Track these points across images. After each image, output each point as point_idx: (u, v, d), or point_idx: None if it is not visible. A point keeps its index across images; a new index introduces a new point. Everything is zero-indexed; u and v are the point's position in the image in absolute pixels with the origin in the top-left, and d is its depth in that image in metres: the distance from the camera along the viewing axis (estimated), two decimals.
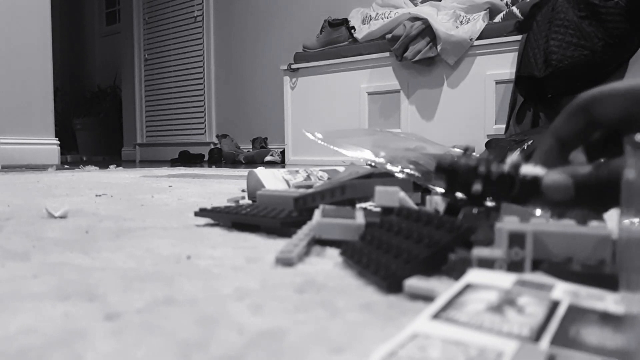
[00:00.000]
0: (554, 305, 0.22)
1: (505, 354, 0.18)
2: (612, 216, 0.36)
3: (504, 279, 0.25)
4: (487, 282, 0.24)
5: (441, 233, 0.34)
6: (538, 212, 0.40)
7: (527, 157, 0.41)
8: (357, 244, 0.40)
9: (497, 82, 2.37)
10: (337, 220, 0.46)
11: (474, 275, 0.26)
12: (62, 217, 0.68)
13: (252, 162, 3.11)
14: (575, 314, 0.21)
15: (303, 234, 0.46)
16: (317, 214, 0.49)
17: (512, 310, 0.21)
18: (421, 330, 0.20)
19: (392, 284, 0.31)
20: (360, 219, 0.46)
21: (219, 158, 3.41)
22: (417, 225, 0.37)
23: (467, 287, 0.24)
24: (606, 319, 0.20)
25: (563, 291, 0.23)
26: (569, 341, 0.18)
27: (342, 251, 0.41)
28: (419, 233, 0.35)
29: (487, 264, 0.31)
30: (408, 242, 0.35)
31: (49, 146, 2.85)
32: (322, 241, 0.47)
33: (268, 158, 3.14)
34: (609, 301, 0.22)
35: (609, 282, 0.26)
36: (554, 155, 0.43)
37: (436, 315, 0.21)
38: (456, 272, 0.32)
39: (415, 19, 2.48)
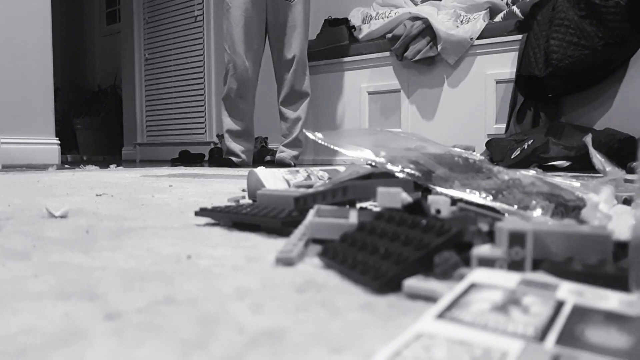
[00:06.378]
0: (559, 304, 0.21)
1: (510, 354, 0.17)
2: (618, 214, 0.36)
3: (509, 279, 0.25)
4: (492, 282, 0.24)
5: (430, 236, 0.34)
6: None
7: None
8: (337, 246, 0.39)
9: (498, 82, 2.37)
10: (330, 220, 0.46)
11: (478, 274, 0.26)
12: (63, 216, 0.67)
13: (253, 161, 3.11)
14: (580, 313, 0.20)
15: (300, 233, 0.46)
16: (311, 214, 0.49)
17: (517, 310, 0.21)
18: (426, 330, 0.20)
19: (383, 285, 0.31)
20: (353, 218, 0.46)
21: (219, 158, 3.40)
22: (402, 229, 0.37)
23: (472, 286, 0.24)
24: (611, 318, 0.20)
25: (568, 291, 0.23)
26: (574, 341, 0.18)
27: (321, 253, 0.40)
28: (406, 236, 0.35)
29: (487, 263, 0.31)
30: (395, 244, 0.35)
31: (49, 146, 2.85)
32: (321, 241, 0.46)
33: (268, 158, 3.13)
34: (614, 301, 0.22)
35: (611, 282, 0.26)
36: None
37: (441, 315, 0.21)
38: (444, 273, 0.31)
39: (416, 18, 2.48)
